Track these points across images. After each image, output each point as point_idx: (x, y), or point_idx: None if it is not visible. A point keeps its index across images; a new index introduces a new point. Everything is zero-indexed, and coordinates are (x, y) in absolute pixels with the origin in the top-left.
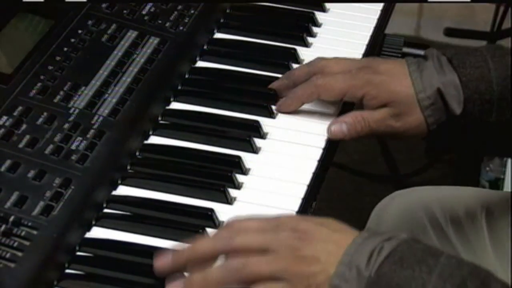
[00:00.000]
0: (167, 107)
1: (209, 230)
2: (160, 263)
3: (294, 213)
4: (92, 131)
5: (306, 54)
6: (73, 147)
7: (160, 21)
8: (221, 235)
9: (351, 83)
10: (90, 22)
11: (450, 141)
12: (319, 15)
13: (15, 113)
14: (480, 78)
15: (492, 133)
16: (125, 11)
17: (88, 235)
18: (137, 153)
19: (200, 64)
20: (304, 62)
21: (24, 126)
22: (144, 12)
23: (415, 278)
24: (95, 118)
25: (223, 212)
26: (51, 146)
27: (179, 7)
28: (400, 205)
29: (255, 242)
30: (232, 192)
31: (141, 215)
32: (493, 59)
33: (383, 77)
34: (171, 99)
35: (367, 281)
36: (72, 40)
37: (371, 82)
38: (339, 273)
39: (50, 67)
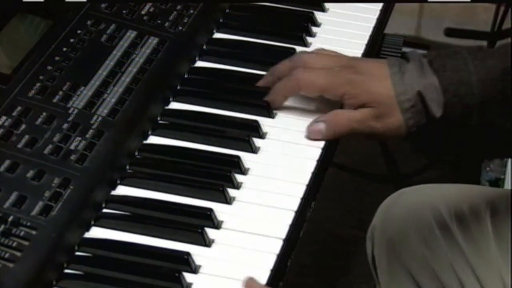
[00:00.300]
0: (166, 107)
1: (208, 230)
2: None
3: (293, 213)
4: (91, 131)
5: None
6: (72, 147)
7: (159, 21)
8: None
9: (331, 81)
10: (89, 22)
11: (432, 143)
12: (319, 15)
13: (14, 113)
14: (460, 81)
15: (479, 136)
16: (124, 11)
17: (87, 235)
18: (136, 153)
19: (199, 64)
20: None
21: (23, 126)
22: (143, 12)
23: None
24: (94, 118)
25: (222, 212)
26: (50, 146)
27: (178, 7)
28: (406, 203)
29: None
30: (231, 192)
31: (140, 215)
32: (474, 62)
33: (363, 77)
34: (170, 99)
35: None
36: (71, 40)
37: (352, 82)
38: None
39: (49, 67)
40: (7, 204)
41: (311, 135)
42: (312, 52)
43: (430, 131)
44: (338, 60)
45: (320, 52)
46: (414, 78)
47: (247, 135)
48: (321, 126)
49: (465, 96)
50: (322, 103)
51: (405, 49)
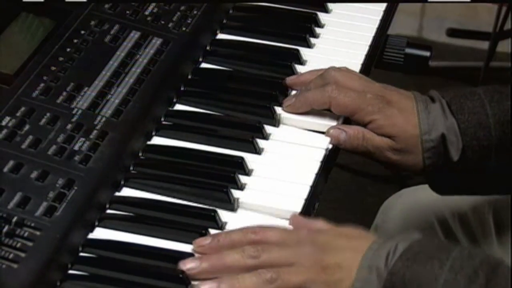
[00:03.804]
0: (170, 108)
1: (212, 231)
2: (188, 266)
3: (297, 214)
4: (95, 131)
5: (308, 55)
6: (76, 147)
7: (163, 22)
8: (248, 251)
9: (363, 107)
10: (93, 23)
11: (448, 183)
12: (322, 16)
13: (18, 114)
14: (478, 124)
15: (492, 177)
16: (128, 12)
17: (91, 236)
18: (140, 154)
19: (203, 65)
20: (307, 63)
21: (27, 127)
22: (147, 13)
23: (427, 272)
24: (98, 118)
25: (226, 213)
26: (54, 147)
27: (182, 7)
28: (408, 203)
29: (281, 257)
30: (235, 193)
31: (144, 216)
32: (491, 104)
33: (393, 110)
34: (174, 100)
35: (385, 280)
36: (75, 40)
37: (382, 112)
38: (360, 277)
39: (53, 68)
40: (11, 205)
41: (330, 138)
42: (341, 70)
43: (446, 172)
44: (369, 85)
45: (350, 72)
46: (439, 119)
47: (251, 136)
48: (342, 135)
49: (483, 139)
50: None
51: (408, 50)
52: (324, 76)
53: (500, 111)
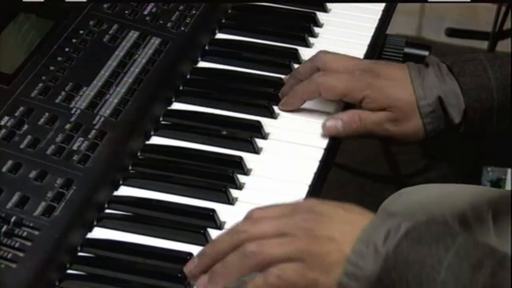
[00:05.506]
0: (169, 108)
1: (210, 231)
2: (189, 268)
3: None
4: (93, 131)
5: (307, 55)
6: (75, 147)
7: (161, 22)
8: (238, 229)
9: (352, 85)
10: (91, 23)
11: (448, 149)
12: (321, 15)
13: (16, 114)
14: (480, 86)
15: (491, 144)
16: (126, 12)
17: (90, 235)
18: (139, 154)
19: (202, 64)
20: None
21: (25, 127)
22: (145, 13)
23: (432, 255)
24: (97, 118)
25: (224, 212)
26: (52, 147)
27: (181, 7)
28: (406, 202)
29: (271, 227)
30: (234, 192)
31: (143, 216)
32: (493, 68)
33: (384, 81)
34: (173, 100)
35: (385, 258)
36: (74, 40)
37: (372, 86)
38: (356, 250)
39: (51, 68)
40: (9, 205)
41: (326, 131)
42: (331, 53)
43: (448, 136)
44: (358, 63)
45: (339, 55)
46: (434, 83)
47: (249, 136)
48: (338, 123)
49: (485, 101)
50: (325, 104)
51: (407, 50)
52: (312, 61)
53: (502, 75)
